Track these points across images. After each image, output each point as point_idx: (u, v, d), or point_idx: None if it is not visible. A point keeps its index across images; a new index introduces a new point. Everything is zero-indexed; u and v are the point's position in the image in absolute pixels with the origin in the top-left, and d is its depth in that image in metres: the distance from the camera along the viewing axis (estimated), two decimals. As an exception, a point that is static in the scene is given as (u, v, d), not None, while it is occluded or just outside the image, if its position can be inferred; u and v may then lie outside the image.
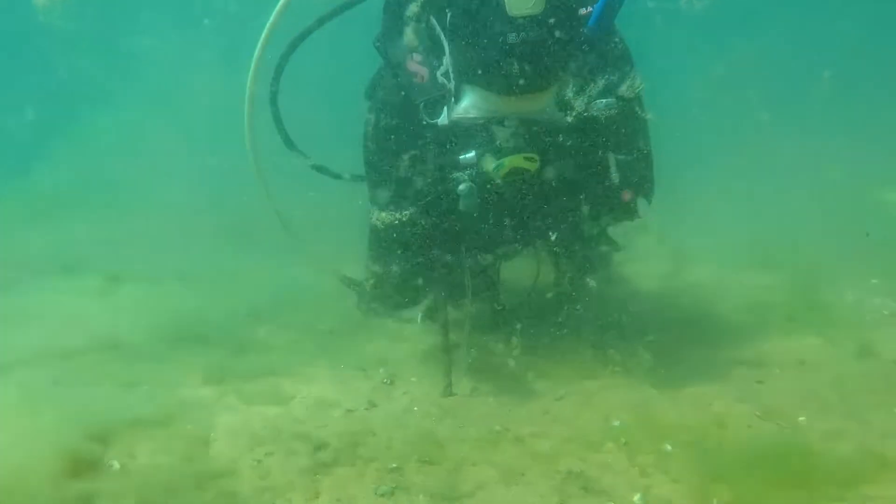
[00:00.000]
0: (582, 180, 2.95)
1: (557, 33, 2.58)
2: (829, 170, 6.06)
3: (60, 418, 2.55)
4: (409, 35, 2.94)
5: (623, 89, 2.85)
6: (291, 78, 3.75)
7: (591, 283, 3.33)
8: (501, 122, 2.74)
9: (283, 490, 2.18)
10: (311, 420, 2.71)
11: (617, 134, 2.92)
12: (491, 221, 2.99)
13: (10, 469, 2.19)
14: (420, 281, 3.23)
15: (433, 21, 2.86)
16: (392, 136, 3.14)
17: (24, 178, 8.46)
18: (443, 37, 2.83)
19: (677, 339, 3.39)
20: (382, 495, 2.16)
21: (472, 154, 2.79)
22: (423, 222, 2.93)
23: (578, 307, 3.37)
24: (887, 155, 6.39)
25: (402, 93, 3.06)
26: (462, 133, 2.85)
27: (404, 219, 2.97)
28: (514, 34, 2.54)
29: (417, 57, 3.04)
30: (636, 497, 2.11)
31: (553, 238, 3.11)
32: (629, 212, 3.07)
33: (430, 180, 2.91)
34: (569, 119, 2.81)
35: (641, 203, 3.05)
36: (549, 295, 3.51)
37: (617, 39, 3.10)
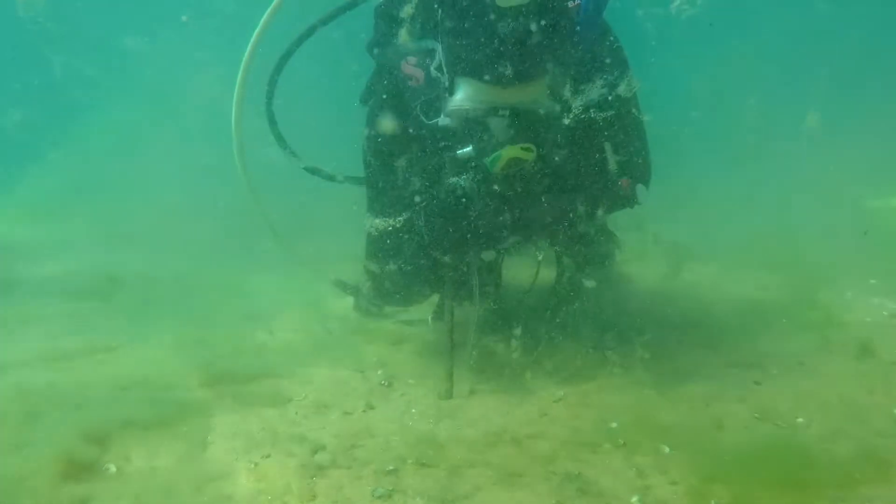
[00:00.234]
0: (580, 168, 2.95)
1: (546, 22, 2.58)
2: (828, 170, 6.07)
3: (56, 421, 2.55)
4: (403, 37, 2.94)
5: (620, 89, 2.85)
6: (288, 79, 3.74)
7: (590, 283, 3.31)
8: (496, 112, 2.73)
9: (280, 493, 2.18)
10: (308, 422, 2.70)
11: (614, 135, 2.92)
12: (491, 216, 2.98)
13: (6, 472, 2.20)
14: (421, 282, 3.21)
15: (426, 17, 2.85)
16: (388, 143, 3.13)
17: (20, 179, 8.47)
18: (435, 30, 2.83)
19: (676, 339, 3.39)
20: (379, 497, 2.16)
21: (469, 148, 2.79)
22: (420, 224, 2.92)
23: (576, 307, 3.36)
24: (887, 155, 6.39)
25: (398, 96, 3.05)
26: (459, 130, 2.85)
27: (398, 224, 2.96)
28: (503, 24, 2.55)
29: (412, 60, 3.04)
30: (634, 498, 2.11)
31: (554, 237, 3.10)
32: (628, 199, 3.06)
33: (428, 181, 2.90)
34: (566, 122, 2.82)
35: (640, 190, 3.04)
36: (548, 295, 3.51)
37: (612, 39, 3.10)
